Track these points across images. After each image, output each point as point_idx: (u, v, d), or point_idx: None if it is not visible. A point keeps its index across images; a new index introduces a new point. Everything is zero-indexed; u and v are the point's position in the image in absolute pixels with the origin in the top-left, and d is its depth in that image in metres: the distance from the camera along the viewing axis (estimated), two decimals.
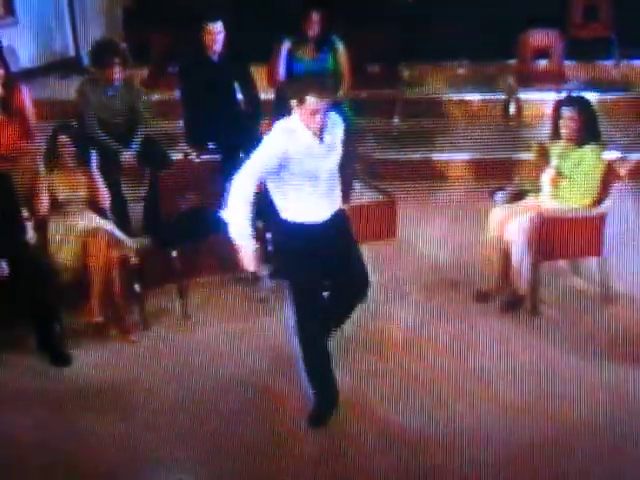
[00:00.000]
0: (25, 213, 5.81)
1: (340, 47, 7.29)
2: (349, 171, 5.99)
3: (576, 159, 5.79)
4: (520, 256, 5.70)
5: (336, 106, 4.97)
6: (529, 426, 4.71)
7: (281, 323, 5.42)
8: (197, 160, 6.90)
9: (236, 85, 7.05)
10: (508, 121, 8.43)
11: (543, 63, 8.69)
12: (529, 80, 8.54)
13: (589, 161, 5.78)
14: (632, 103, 8.25)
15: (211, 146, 6.94)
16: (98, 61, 6.85)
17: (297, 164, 4.60)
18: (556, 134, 5.91)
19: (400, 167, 7.52)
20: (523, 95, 8.45)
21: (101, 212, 6.03)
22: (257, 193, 5.90)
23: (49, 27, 9.52)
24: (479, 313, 5.74)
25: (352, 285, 4.90)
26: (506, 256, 5.79)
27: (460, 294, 5.91)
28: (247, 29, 7.23)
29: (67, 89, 7.65)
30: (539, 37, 8.59)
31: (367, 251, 5.09)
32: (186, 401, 5.03)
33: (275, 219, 4.80)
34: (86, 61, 8.54)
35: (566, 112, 5.85)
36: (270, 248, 5.95)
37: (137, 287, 5.82)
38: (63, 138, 5.93)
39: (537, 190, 5.95)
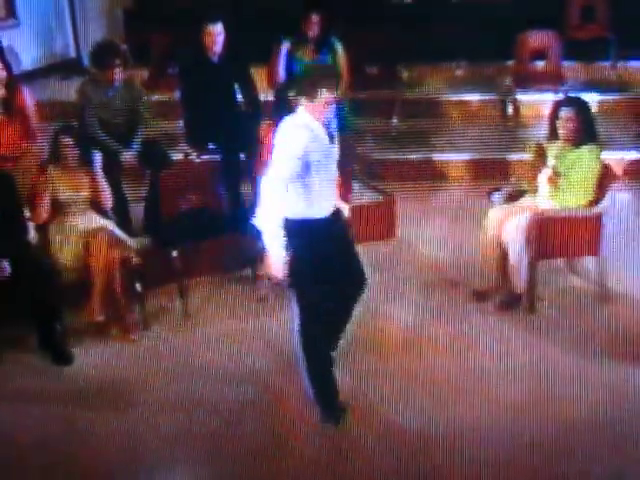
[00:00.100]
0: (27, 213, 5.77)
1: (339, 48, 7.28)
2: (348, 170, 5.97)
3: (573, 159, 5.76)
4: (518, 255, 5.68)
5: (336, 107, 4.87)
6: (529, 425, 4.66)
7: (281, 323, 5.40)
8: (197, 160, 6.88)
9: (236, 86, 7.00)
10: (506, 121, 8.44)
11: (541, 64, 8.69)
12: (527, 81, 8.55)
13: (586, 161, 5.75)
14: (629, 104, 8.25)
15: (211, 146, 6.92)
16: (99, 62, 6.81)
17: (315, 158, 4.59)
18: (554, 134, 5.89)
19: (399, 167, 7.52)
20: (521, 96, 8.45)
21: (102, 212, 6.00)
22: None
23: (50, 28, 9.52)
24: (478, 312, 5.70)
25: (352, 283, 4.85)
26: (504, 256, 5.76)
27: (459, 294, 5.88)
28: (247, 30, 7.21)
29: (68, 90, 7.62)
30: (537, 38, 8.60)
31: (367, 251, 5.09)
32: (186, 401, 4.99)
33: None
34: (87, 62, 8.49)
35: (564, 113, 5.83)
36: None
37: (138, 287, 5.78)
38: (65, 139, 5.89)
39: (534, 190, 5.92)
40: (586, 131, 5.80)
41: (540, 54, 8.62)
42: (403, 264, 6.16)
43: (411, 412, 4.78)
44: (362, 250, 4.95)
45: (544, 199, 5.83)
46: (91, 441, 4.74)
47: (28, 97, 6.55)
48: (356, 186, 6.44)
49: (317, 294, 4.67)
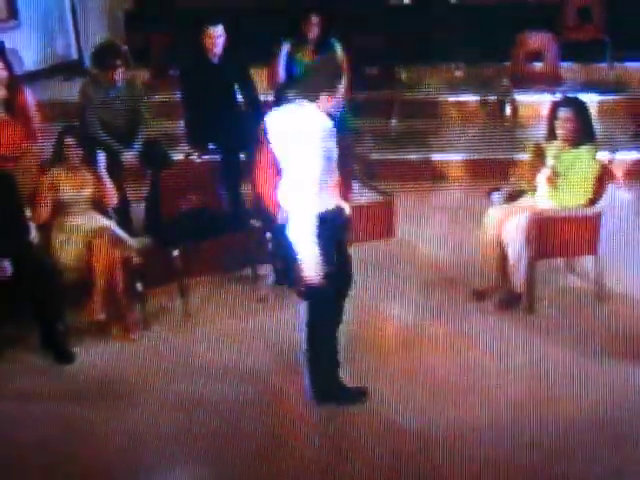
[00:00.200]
0: (28, 213, 5.72)
1: (338, 49, 7.25)
2: (348, 170, 5.94)
3: (571, 159, 5.73)
4: (517, 255, 5.65)
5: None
6: (529, 425, 4.62)
7: (281, 323, 5.39)
8: (198, 160, 6.83)
9: (236, 87, 6.95)
10: (503, 122, 8.41)
11: (538, 65, 8.68)
12: (524, 82, 8.53)
13: (584, 161, 5.73)
14: (625, 104, 8.23)
15: (212, 147, 6.86)
16: (100, 63, 6.78)
17: (334, 153, 4.58)
18: (552, 135, 5.86)
19: (398, 167, 7.46)
20: (518, 96, 8.42)
21: (104, 212, 5.97)
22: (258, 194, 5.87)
23: (51, 30, 9.52)
24: (477, 312, 5.66)
25: (344, 279, 4.81)
26: (503, 255, 5.72)
27: (459, 293, 5.84)
28: (247, 31, 7.16)
29: (69, 91, 7.61)
30: (534, 39, 8.58)
31: (367, 250, 5.05)
32: (186, 401, 4.94)
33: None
34: (88, 63, 8.48)
35: (562, 113, 5.80)
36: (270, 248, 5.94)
37: (139, 286, 5.74)
38: (69, 140, 5.85)
39: (533, 190, 5.88)
40: (584, 131, 5.77)
41: (537, 55, 8.60)
42: (403, 263, 6.12)
43: (411, 412, 4.73)
44: (362, 249, 5.00)
45: (543, 199, 5.80)
46: (91, 441, 4.69)
47: (29, 98, 6.51)
48: (356, 186, 6.42)
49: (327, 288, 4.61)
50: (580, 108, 5.82)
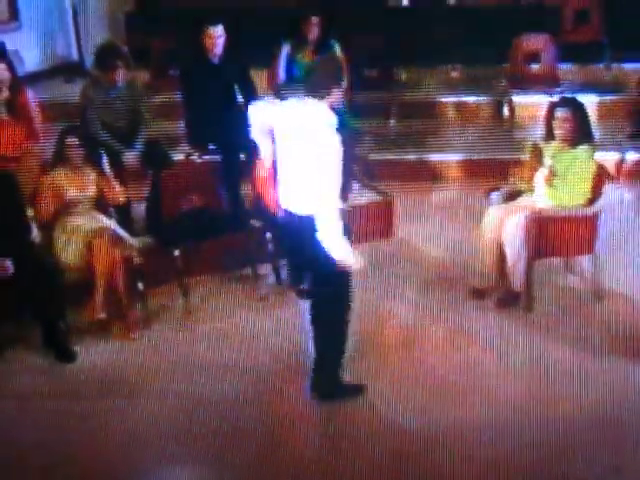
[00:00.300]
0: (30, 213, 5.69)
1: (338, 50, 7.26)
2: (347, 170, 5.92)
3: (569, 159, 5.70)
4: (515, 254, 5.62)
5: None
6: (529, 424, 4.58)
7: (281, 322, 5.37)
8: (198, 160, 6.81)
9: (236, 87, 6.92)
10: (501, 123, 8.40)
11: (536, 66, 8.65)
12: (522, 83, 8.50)
13: (582, 161, 5.70)
14: (623, 105, 8.21)
15: (212, 147, 6.83)
16: (101, 64, 6.74)
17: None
18: (550, 135, 5.83)
19: (397, 167, 7.47)
20: (516, 97, 8.42)
21: (105, 212, 5.95)
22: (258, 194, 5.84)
23: (52, 31, 9.51)
24: (477, 310, 5.64)
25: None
26: (501, 254, 5.69)
27: (459, 292, 5.80)
28: (248, 32, 7.14)
29: (70, 92, 7.59)
30: (532, 41, 8.56)
31: (366, 250, 5.05)
32: (186, 401, 4.91)
33: None
34: (89, 65, 8.52)
35: (560, 113, 5.77)
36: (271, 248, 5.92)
37: (140, 285, 5.72)
38: (71, 139, 5.82)
39: (531, 190, 5.86)
40: (582, 131, 5.74)
41: (535, 57, 8.59)
42: (403, 263, 6.11)
43: (411, 412, 4.70)
44: (362, 249, 4.91)
45: (542, 198, 5.77)
46: (91, 440, 4.65)
47: (31, 98, 6.50)
48: (355, 186, 6.40)
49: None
50: (578, 108, 5.79)
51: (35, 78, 8.36)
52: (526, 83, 8.47)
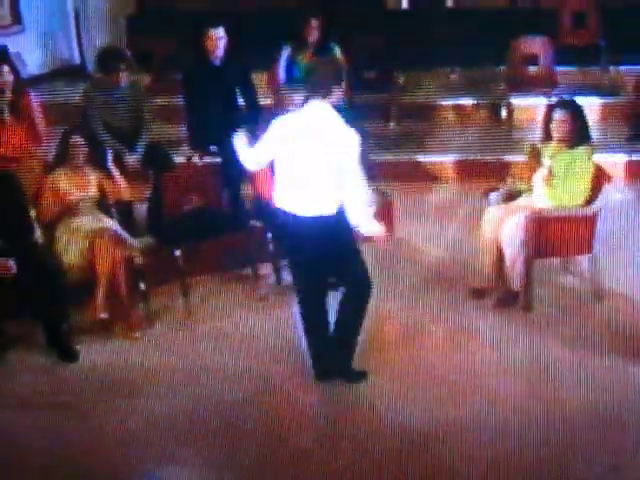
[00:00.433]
0: (32, 213, 5.66)
1: (337, 52, 7.23)
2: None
3: (568, 160, 5.67)
4: (514, 254, 5.59)
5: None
6: (529, 424, 4.54)
7: (281, 322, 5.36)
8: (200, 162, 6.73)
9: (237, 89, 6.86)
10: (500, 124, 8.38)
11: (533, 69, 8.63)
12: (520, 85, 8.47)
13: (580, 162, 5.67)
14: (620, 107, 8.20)
15: (213, 149, 6.74)
16: (104, 67, 6.71)
17: None
18: (548, 136, 5.80)
19: (396, 169, 7.43)
20: (514, 100, 8.39)
21: (107, 212, 5.92)
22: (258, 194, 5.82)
23: (54, 35, 9.47)
24: (476, 310, 5.60)
25: None
26: (500, 254, 5.66)
27: (459, 291, 5.77)
28: (249, 34, 7.13)
29: (72, 95, 7.57)
30: (530, 44, 8.53)
31: (366, 250, 4.97)
32: (187, 401, 4.86)
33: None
34: (91, 68, 8.53)
35: (558, 115, 5.75)
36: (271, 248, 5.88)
37: (141, 285, 5.69)
38: (76, 139, 5.78)
39: (530, 190, 5.83)
40: (580, 133, 5.71)
41: (533, 59, 8.56)
42: (402, 262, 6.07)
43: (411, 411, 4.66)
44: (362, 249, 4.89)
45: (539, 199, 5.73)
46: (91, 440, 4.60)
47: (34, 101, 6.45)
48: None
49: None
50: (576, 110, 5.77)
51: (37, 81, 8.33)
52: (524, 85, 8.44)
